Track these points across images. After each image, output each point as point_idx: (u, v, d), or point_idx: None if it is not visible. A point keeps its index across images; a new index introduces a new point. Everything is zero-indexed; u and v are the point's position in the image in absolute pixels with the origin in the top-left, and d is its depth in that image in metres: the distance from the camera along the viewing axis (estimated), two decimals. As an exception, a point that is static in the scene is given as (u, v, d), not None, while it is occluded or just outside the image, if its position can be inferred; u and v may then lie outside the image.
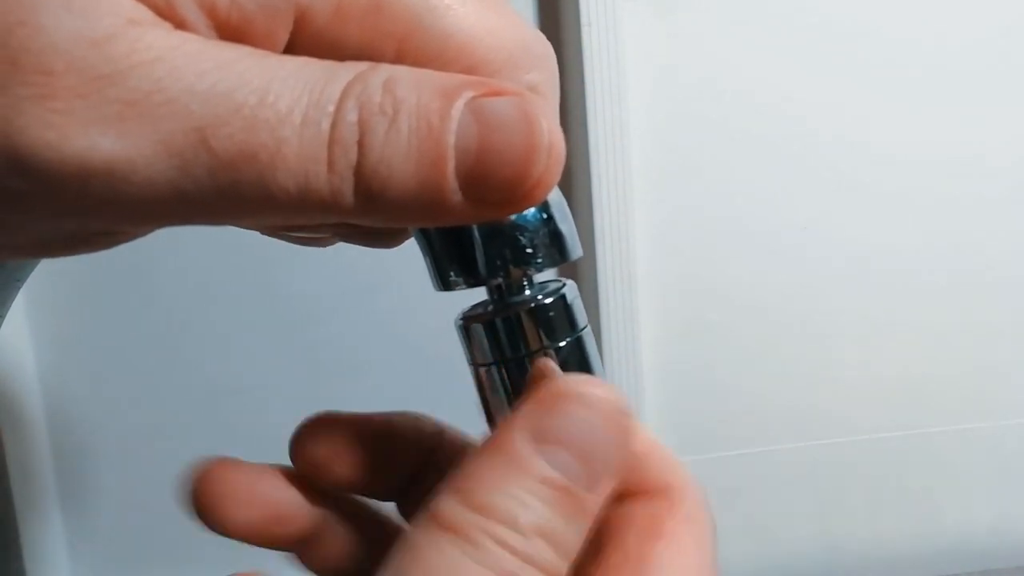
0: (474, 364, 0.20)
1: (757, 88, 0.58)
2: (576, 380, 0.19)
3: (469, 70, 0.17)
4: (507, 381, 0.20)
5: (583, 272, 0.57)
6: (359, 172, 0.15)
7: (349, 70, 0.16)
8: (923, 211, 0.61)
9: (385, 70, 0.16)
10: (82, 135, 0.14)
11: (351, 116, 0.15)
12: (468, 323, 0.20)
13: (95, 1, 0.14)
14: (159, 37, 0.14)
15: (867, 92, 0.59)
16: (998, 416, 0.63)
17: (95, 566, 0.57)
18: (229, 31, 0.15)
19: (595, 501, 0.18)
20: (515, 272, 0.19)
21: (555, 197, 0.20)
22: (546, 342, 0.20)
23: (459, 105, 0.16)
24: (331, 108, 0.15)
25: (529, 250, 0.19)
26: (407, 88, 0.16)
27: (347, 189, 0.15)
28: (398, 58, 0.17)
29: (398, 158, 0.15)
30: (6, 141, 0.14)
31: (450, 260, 0.20)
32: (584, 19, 0.53)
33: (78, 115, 0.14)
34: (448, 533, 0.17)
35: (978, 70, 0.59)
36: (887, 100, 0.59)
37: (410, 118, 0.15)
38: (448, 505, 0.17)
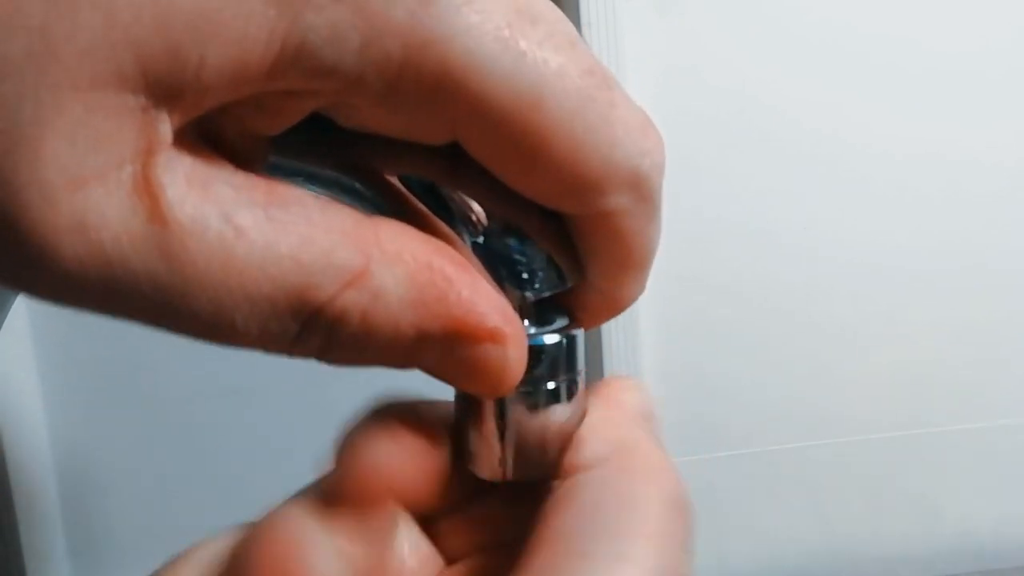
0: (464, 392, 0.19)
1: (757, 88, 0.58)
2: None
3: (549, 182, 0.16)
4: (487, 411, 0.19)
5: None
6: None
7: (323, 288, 0.15)
8: (923, 211, 0.61)
9: (366, 292, 0.15)
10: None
11: (314, 342, 0.15)
12: None
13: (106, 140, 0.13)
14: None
15: (868, 92, 0.59)
16: (998, 416, 0.63)
17: (95, 566, 0.57)
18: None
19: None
20: (512, 295, 0.18)
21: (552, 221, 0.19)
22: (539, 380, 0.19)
23: (438, 350, 0.16)
24: (295, 328, 0.15)
25: (526, 275, 0.18)
26: (388, 324, 0.15)
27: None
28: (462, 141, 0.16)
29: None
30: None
31: None
32: (584, 19, 0.53)
33: None
34: None
35: (980, 69, 0.59)
36: (887, 100, 0.59)
37: (376, 354, 0.15)
38: None
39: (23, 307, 0.53)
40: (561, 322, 0.19)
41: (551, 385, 0.18)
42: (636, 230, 0.18)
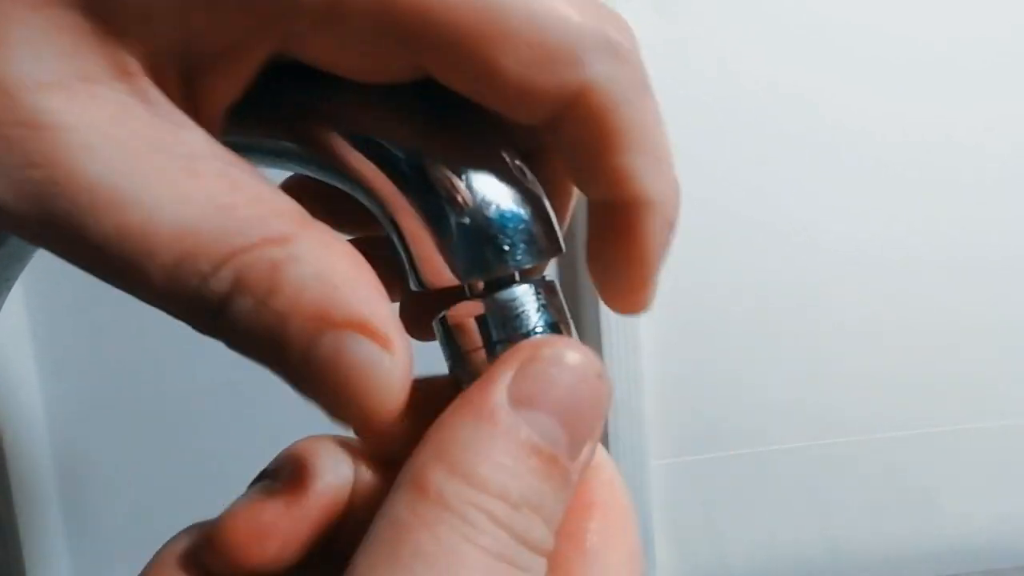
0: (452, 363, 0.20)
1: (758, 88, 0.58)
2: (553, 341, 0.18)
3: (520, 64, 0.16)
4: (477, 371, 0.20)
5: (583, 272, 0.57)
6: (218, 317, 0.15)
7: (245, 235, 0.15)
8: (922, 211, 0.61)
9: (284, 253, 0.15)
10: None
11: (221, 286, 0.15)
12: (443, 320, 0.20)
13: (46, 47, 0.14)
14: (90, 104, 0.14)
15: (870, 92, 0.59)
16: (998, 416, 0.63)
17: (95, 565, 0.57)
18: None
19: (576, 470, 0.17)
20: (493, 269, 0.19)
21: (534, 194, 0.20)
22: (520, 333, 0.19)
23: (326, 342, 0.15)
24: (206, 268, 0.15)
25: (507, 247, 0.19)
26: (292, 289, 0.15)
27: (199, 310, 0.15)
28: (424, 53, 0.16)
29: (253, 336, 0.15)
30: None
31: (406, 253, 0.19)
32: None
33: None
34: (438, 508, 0.15)
35: (984, 68, 0.59)
36: (889, 102, 0.59)
37: (273, 323, 0.15)
38: (436, 476, 0.16)
39: (23, 307, 0.53)
40: (538, 281, 0.20)
41: (537, 330, 0.19)
42: (624, 99, 0.17)
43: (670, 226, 0.20)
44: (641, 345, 0.57)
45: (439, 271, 0.19)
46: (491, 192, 0.19)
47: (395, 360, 0.16)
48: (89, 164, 0.14)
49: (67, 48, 0.14)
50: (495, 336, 0.19)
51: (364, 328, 0.15)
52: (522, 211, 0.19)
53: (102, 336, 0.55)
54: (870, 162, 0.60)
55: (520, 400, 0.17)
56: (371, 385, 0.15)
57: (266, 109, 0.19)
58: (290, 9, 0.15)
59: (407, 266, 0.20)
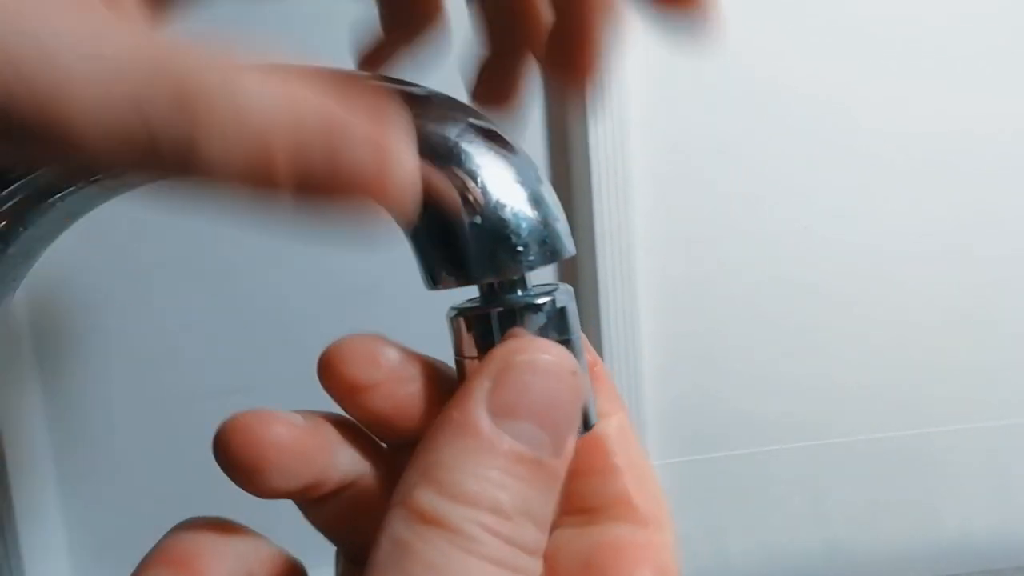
0: (459, 356, 0.20)
1: (758, 88, 0.58)
2: (523, 346, 0.19)
3: None
4: None
5: (583, 272, 0.57)
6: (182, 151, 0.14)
7: (186, 59, 0.14)
8: (922, 210, 0.61)
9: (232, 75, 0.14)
10: None
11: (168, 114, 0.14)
12: (458, 316, 0.20)
13: None
14: None
15: (871, 92, 0.59)
16: (998, 416, 0.63)
17: (95, 565, 0.57)
18: None
19: (563, 465, 0.18)
20: (506, 270, 0.19)
21: (547, 194, 0.20)
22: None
23: (305, 149, 0.15)
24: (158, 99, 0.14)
25: (520, 248, 0.19)
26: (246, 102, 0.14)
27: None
28: None
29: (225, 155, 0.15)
30: None
31: (440, 258, 0.20)
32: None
33: None
34: (436, 528, 0.16)
35: (983, 67, 0.59)
36: (891, 102, 0.59)
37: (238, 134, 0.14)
38: (427, 498, 0.17)
39: (23, 307, 0.53)
40: (552, 287, 0.20)
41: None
42: None
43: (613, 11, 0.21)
44: (641, 345, 0.57)
45: (452, 271, 0.19)
46: (505, 194, 0.19)
47: (402, 147, 0.16)
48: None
49: None
50: (497, 340, 0.20)
51: (354, 127, 0.15)
52: (535, 213, 0.19)
53: (103, 337, 0.55)
54: (871, 168, 0.60)
55: (499, 412, 0.17)
56: (381, 173, 0.16)
57: None
58: None
59: (422, 268, 0.20)
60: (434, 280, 0.20)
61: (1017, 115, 0.60)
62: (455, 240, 0.19)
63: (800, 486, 0.63)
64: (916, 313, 0.62)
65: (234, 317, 0.55)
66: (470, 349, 0.20)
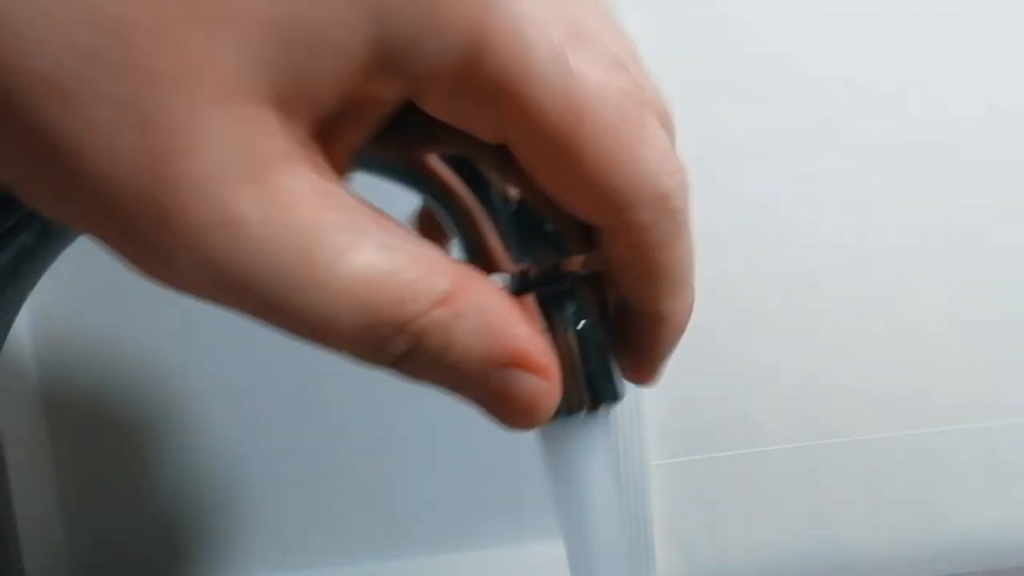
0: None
1: (759, 88, 0.58)
2: None
3: (580, 197, 0.18)
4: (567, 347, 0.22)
5: (583, 272, 0.57)
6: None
7: (417, 302, 0.16)
8: (921, 210, 0.61)
9: (450, 313, 0.17)
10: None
11: (399, 348, 0.17)
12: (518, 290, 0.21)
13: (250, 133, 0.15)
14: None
15: (874, 92, 0.59)
16: (998, 416, 0.63)
17: (95, 565, 0.57)
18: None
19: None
20: (541, 257, 0.20)
21: None
22: (569, 322, 0.21)
23: (494, 379, 0.17)
24: (387, 334, 0.16)
25: (555, 234, 0.20)
26: (462, 344, 0.17)
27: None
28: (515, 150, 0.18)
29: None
30: None
31: (471, 245, 0.21)
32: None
33: None
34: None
35: (983, 68, 0.59)
36: (892, 103, 0.59)
37: (447, 371, 0.17)
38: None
39: (23, 307, 0.53)
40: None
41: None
42: (660, 243, 0.20)
43: (679, 333, 0.24)
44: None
45: (495, 258, 0.21)
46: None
47: (551, 384, 0.18)
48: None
49: (248, 138, 0.15)
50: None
51: (524, 362, 0.18)
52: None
53: (104, 337, 0.55)
54: (870, 168, 0.60)
55: None
56: (535, 408, 0.18)
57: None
58: (427, 86, 0.16)
59: (467, 256, 0.21)
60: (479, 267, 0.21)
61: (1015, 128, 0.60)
62: (488, 228, 0.21)
63: (800, 486, 0.63)
64: (916, 313, 0.62)
65: (235, 316, 0.55)
66: None
